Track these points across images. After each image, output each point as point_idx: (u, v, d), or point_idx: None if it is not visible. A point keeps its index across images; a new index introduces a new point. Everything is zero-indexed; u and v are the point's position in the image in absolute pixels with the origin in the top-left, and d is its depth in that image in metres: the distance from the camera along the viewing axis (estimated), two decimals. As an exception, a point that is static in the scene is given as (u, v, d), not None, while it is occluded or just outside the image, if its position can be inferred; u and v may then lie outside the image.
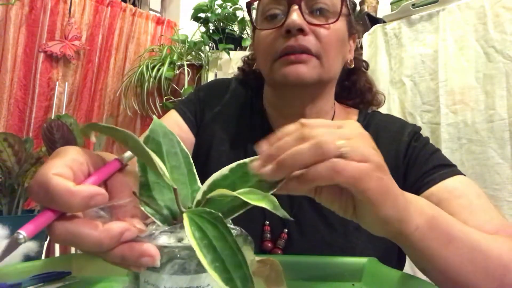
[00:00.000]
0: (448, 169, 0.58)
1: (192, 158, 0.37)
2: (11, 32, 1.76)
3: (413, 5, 1.52)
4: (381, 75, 1.60)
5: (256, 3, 0.65)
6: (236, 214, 0.31)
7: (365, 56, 1.69)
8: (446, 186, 0.55)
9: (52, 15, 1.89)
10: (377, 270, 0.45)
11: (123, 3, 2.15)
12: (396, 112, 1.53)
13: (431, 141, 0.66)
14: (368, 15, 1.76)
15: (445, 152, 1.35)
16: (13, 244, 0.25)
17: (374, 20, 1.73)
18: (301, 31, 0.57)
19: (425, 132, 1.47)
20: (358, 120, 0.69)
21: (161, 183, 0.32)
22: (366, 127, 0.67)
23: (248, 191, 0.29)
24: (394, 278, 0.41)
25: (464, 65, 1.38)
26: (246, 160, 0.33)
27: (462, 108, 1.36)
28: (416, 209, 0.37)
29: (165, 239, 0.28)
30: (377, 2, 1.98)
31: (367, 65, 0.78)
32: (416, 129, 0.66)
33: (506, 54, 1.29)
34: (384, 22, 1.65)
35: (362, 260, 0.47)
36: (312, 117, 0.66)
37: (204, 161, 0.69)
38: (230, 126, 0.71)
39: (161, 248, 0.27)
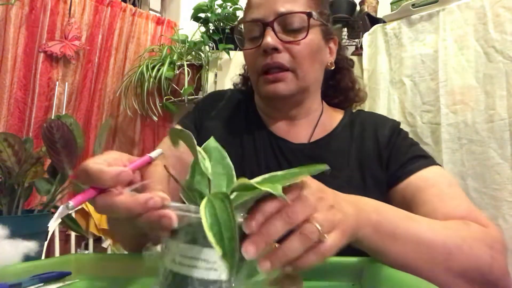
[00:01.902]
0: (424, 160, 0.65)
1: None
2: (11, 32, 1.76)
3: (413, 5, 1.52)
4: (381, 75, 1.60)
5: (242, 25, 0.76)
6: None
7: (365, 56, 1.69)
8: (421, 176, 0.62)
9: (52, 15, 1.89)
10: (377, 270, 0.45)
11: (123, 3, 2.15)
12: (396, 112, 1.53)
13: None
14: (368, 15, 1.76)
15: (446, 152, 1.35)
16: (63, 211, 0.33)
17: (374, 20, 1.73)
18: (275, 49, 0.66)
19: (425, 132, 1.48)
20: (343, 118, 0.77)
21: (202, 182, 0.40)
22: (351, 123, 0.76)
23: (261, 181, 0.37)
24: (394, 278, 0.41)
25: (464, 65, 1.38)
26: (278, 172, 0.39)
27: (462, 108, 1.36)
28: (364, 220, 0.43)
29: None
30: (377, 2, 1.98)
31: (353, 63, 0.85)
32: (396, 124, 0.74)
33: (506, 54, 1.29)
34: (384, 22, 1.65)
35: (362, 260, 0.47)
36: (300, 116, 0.75)
37: None
38: (227, 124, 0.78)
39: (177, 213, 0.33)
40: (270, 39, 0.66)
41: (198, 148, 0.38)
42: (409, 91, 1.50)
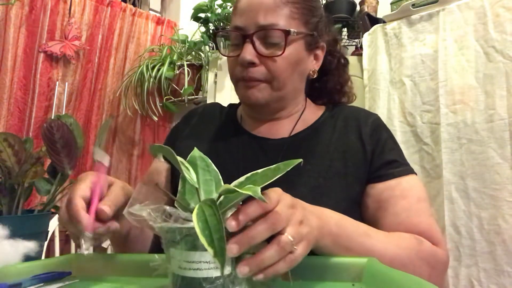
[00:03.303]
0: (404, 167, 0.70)
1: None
2: (11, 32, 1.76)
3: (413, 5, 1.52)
4: (381, 75, 1.59)
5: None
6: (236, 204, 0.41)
7: (365, 56, 1.69)
8: (398, 184, 0.67)
9: (52, 15, 1.89)
10: (377, 270, 0.45)
11: (123, 3, 2.15)
12: (396, 112, 1.52)
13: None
14: (368, 15, 1.76)
15: (445, 152, 1.35)
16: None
17: (374, 20, 1.73)
18: (252, 63, 0.68)
19: (425, 132, 1.48)
20: (324, 112, 0.79)
21: (193, 191, 0.44)
22: (333, 116, 0.78)
23: (244, 181, 0.43)
24: (394, 278, 0.41)
25: (464, 65, 1.38)
26: (258, 171, 0.43)
27: (462, 108, 1.36)
28: (326, 232, 0.50)
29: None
30: (377, 2, 1.98)
31: (346, 61, 0.84)
32: (377, 120, 0.76)
33: (506, 54, 1.29)
34: (384, 22, 1.65)
35: (362, 260, 0.47)
36: (283, 117, 0.77)
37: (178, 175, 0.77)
38: (200, 138, 0.80)
39: (176, 225, 0.39)
40: (247, 53, 0.67)
41: (181, 160, 0.43)
42: (409, 91, 1.50)
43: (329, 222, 0.51)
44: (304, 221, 0.44)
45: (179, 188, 0.45)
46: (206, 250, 0.36)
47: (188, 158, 0.46)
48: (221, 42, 0.77)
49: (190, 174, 0.43)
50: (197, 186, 0.42)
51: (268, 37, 0.68)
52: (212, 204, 0.36)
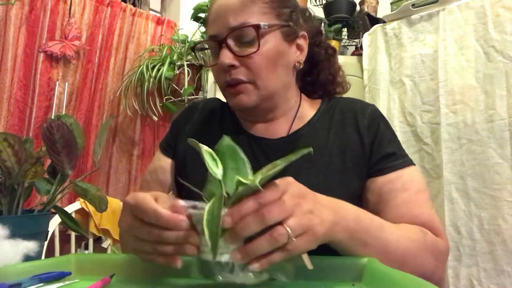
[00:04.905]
0: (403, 159, 0.70)
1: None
2: (11, 32, 1.75)
3: (413, 5, 1.52)
4: (381, 75, 1.60)
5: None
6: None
7: (365, 56, 1.69)
8: (398, 177, 0.68)
9: (52, 15, 1.89)
10: (377, 270, 0.45)
11: (123, 3, 2.15)
12: (396, 112, 1.53)
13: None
14: (368, 15, 1.76)
15: (445, 152, 1.35)
16: None
17: (374, 20, 1.73)
18: (232, 66, 0.68)
19: (425, 132, 1.48)
20: (320, 107, 0.78)
21: (214, 182, 0.45)
22: (329, 110, 0.77)
23: (265, 171, 0.42)
24: (394, 278, 0.41)
25: (464, 65, 1.38)
26: (279, 161, 0.42)
27: (462, 108, 1.36)
28: (342, 227, 0.49)
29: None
30: (377, 2, 1.98)
31: (334, 51, 0.83)
32: (374, 112, 0.75)
33: (506, 54, 1.29)
34: (384, 22, 1.65)
35: (362, 260, 0.48)
36: (278, 117, 0.76)
37: (183, 170, 0.79)
38: (200, 136, 0.80)
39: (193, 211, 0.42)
40: (224, 57, 0.67)
41: (210, 151, 0.45)
42: (409, 91, 1.50)
43: (347, 217, 0.50)
44: (314, 211, 0.44)
45: (208, 178, 0.46)
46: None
47: (217, 146, 0.47)
48: (200, 54, 0.81)
49: (217, 166, 0.45)
50: (220, 178, 0.43)
51: (242, 37, 0.67)
52: (220, 197, 0.40)
